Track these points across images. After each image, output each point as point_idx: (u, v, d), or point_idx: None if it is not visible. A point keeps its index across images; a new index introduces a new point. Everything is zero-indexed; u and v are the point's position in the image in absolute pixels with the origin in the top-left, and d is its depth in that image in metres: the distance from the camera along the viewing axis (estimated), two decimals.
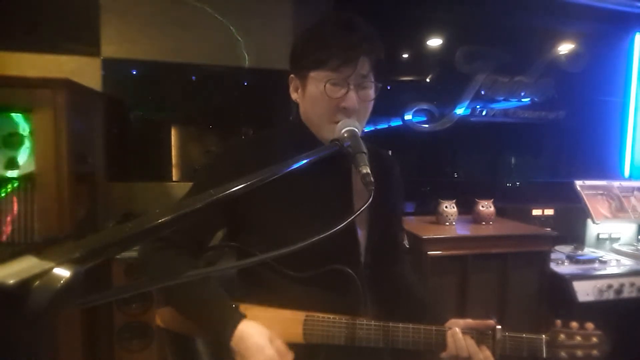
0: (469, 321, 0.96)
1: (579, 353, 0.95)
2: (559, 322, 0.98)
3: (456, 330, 0.93)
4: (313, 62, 0.92)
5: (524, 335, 0.95)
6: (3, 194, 1.84)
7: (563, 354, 0.95)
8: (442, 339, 0.93)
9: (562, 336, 0.96)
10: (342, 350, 0.93)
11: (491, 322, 0.95)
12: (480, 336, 0.94)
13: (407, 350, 0.94)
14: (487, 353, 0.93)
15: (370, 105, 0.97)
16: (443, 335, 0.94)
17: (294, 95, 1.01)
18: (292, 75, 1.00)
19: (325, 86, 0.90)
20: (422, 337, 0.94)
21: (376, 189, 0.72)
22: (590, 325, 0.98)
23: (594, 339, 0.97)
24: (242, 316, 0.89)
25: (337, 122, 0.89)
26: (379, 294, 1.12)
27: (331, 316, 0.93)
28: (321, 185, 0.98)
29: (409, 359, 1.03)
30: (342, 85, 0.91)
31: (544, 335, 0.96)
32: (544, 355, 0.95)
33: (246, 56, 2.47)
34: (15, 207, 1.85)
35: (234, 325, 0.86)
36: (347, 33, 0.91)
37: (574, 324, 0.98)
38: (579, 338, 0.97)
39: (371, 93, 0.95)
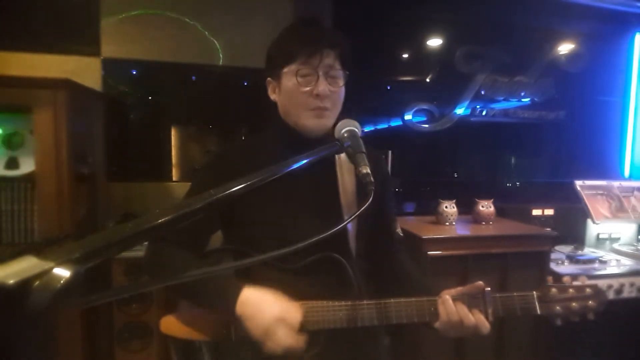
0: (459, 288, 0.98)
1: (574, 305, 0.94)
2: (550, 278, 0.98)
3: (446, 297, 0.95)
4: (284, 59, 1.02)
5: (514, 294, 0.96)
6: (10, 202, 1.84)
7: (558, 307, 0.94)
8: (434, 307, 0.95)
9: (554, 290, 0.95)
10: (341, 334, 0.94)
11: (480, 283, 0.96)
12: (472, 300, 0.95)
13: (405, 329, 0.95)
14: (479, 316, 0.94)
15: (342, 92, 1.05)
16: (434, 304, 0.96)
17: (273, 97, 1.10)
18: (269, 79, 1.09)
19: (297, 78, 1.00)
20: (414, 310, 0.95)
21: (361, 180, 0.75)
22: (583, 279, 0.97)
23: (588, 290, 0.96)
24: (243, 285, 0.91)
25: (312, 110, 1.01)
26: (376, 283, 1.14)
27: (325, 302, 0.95)
28: (307, 180, 1.00)
29: (407, 336, 1.03)
30: (312, 75, 1.00)
31: (534, 292, 0.96)
32: (538, 311, 0.95)
33: (255, 55, 2.47)
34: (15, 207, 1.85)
35: (237, 293, 0.89)
36: (309, 29, 1.05)
37: (566, 279, 0.97)
38: (572, 291, 0.96)
39: (340, 81, 1.04)
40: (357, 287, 0.99)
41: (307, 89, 1.00)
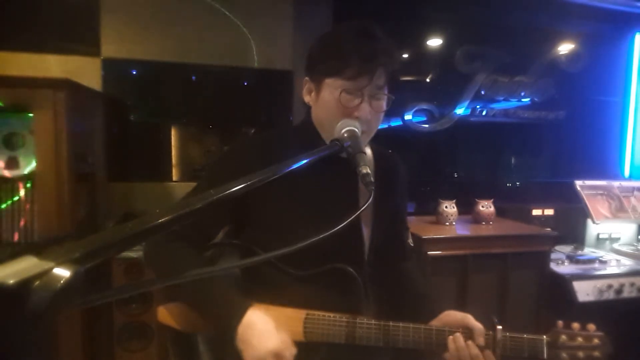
0: (467, 317, 0.97)
1: (580, 354, 0.95)
2: (560, 323, 0.98)
3: (458, 335, 0.94)
4: (330, 69, 0.93)
5: (524, 335, 0.95)
6: (10, 202, 1.84)
7: (564, 355, 0.95)
8: (442, 339, 0.94)
9: (564, 337, 0.96)
10: (343, 349, 0.94)
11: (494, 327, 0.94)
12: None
13: (408, 349, 0.95)
14: (488, 353, 0.93)
15: (382, 117, 0.98)
16: (443, 336, 0.94)
17: (307, 98, 1.02)
18: (306, 78, 1.01)
19: (340, 94, 0.91)
20: (422, 337, 0.94)
21: (380, 189, 0.73)
22: (592, 327, 0.97)
23: (596, 341, 0.96)
24: (249, 304, 0.89)
25: None
26: (383, 291, 1.13)
27: (332, 315, 0.94)
28: (328, 185, 0.98)
29: (410, 357, 1.03)
30: (357, 95, 0.92)
31: (545, 336, 0.96)
32: (545, 356, 0.95)
33: (255, 55, 2.47)
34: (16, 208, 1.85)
35: (242, 314, 0.87)
36: (366, 43, 0.91)
37: (576, 325, 0.97)
38: (580, 339, 0.96)
39: (384, 105, 0.96)
40: (366, 303, 0.98)
41: (348, 108, 0.92)
